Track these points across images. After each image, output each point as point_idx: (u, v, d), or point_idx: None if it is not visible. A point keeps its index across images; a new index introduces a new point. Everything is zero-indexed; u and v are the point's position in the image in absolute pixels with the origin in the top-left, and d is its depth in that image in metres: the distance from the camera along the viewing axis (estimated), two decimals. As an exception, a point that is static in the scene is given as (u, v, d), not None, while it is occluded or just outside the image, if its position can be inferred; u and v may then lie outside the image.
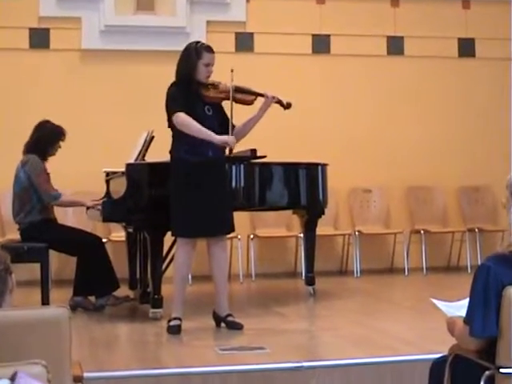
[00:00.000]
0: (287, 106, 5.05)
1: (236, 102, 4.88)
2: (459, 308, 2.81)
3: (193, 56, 4.80)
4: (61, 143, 5.72)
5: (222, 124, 4.90)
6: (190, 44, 4.92)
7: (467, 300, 2.68)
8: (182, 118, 4.71)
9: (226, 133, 4.93)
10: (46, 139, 5.68)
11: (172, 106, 4.76)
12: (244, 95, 4.93)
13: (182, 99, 4.75)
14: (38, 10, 7.39)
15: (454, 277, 7.58)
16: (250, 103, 4.98)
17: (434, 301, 2.97)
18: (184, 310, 4.92)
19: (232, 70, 4.76)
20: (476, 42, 8.24)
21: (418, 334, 4.70)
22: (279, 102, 5.03)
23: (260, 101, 5.00)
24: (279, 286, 7.17)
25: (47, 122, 5.74)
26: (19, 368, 1.81)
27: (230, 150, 4.83)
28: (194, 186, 4.77)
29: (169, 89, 4.85)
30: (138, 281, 6.15)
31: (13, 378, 1.76)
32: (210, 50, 4.85)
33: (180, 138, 4.80)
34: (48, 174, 5.72)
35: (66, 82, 7.42)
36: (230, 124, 4.82)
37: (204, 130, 4.73)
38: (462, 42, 8.24)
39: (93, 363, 3.91)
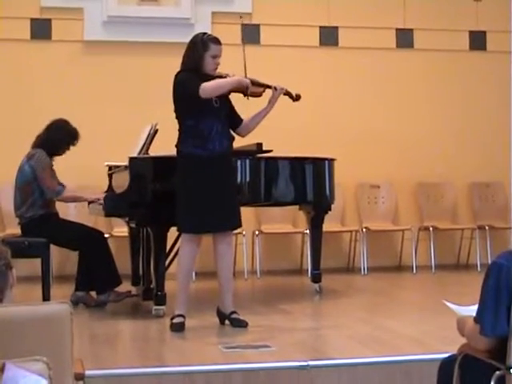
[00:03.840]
0: (296, 98, 5.03)
1: (245, 94, 4.81)
2: (472, 312, 2.74)
3: (199, 48, 4.73)
4: (71, 147, 5.68)
5: (228, 116, 4.85)
6: (197, 35, 4.85)
7: (475, 307, 2.64)
8: (208, 85, 4.61)
9: (233, 127, 4.87)
10: (60, 140, 5.66)
11: (192, 84, 4.62)
12: (253, 87, 4.87)
13: (196, 78, 4.65)
14: (40, 0, 7.32)
15: (464, 275, 7.53)
16: (258, 95, 4.94)
17: (447, 303, 2.90)
18: (188, 306, 4.87)
19: (241, 17, 4.72)
20: (487, 35, 8.17)
21: (427, 332, 4.64)
22: (288, 94, 5.00)
23: (269, 93, 4.93)
24: (285, 283, 7.13)
25: (66, 122, 5.71)
26: (20, 364, 1.81)
27: (247, 90, 4.74)
28: (200, 181, 4.71)
29: (177, 76, 4.76)
30: (140, 277, 6.13)
31: (2, 369, 1.77)
32: (217, 41, 4.77)
33: (187, 132, 4.73)
34: (54, 170, 5.69)
35: (68, 73, 7.38)
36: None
37: (222, 80, 4.69)
38: (472, 34, 8.17)
39: (94, 360, 3.87)
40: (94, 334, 4.80)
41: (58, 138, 5.64)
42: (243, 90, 4.76)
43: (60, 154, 5.72)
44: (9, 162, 5.87)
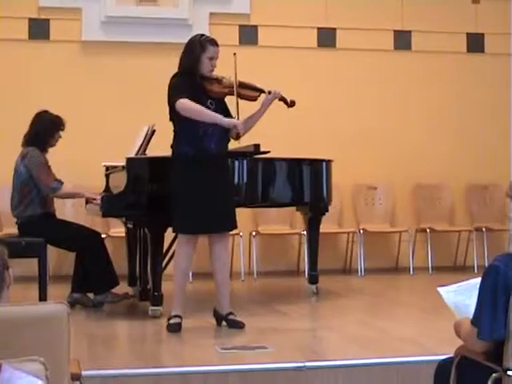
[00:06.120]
0: (291, 104, 5.03)
1: (240, 97, 4.82)
2: (468, 292, 2.73)
3: (197, 49, 4.73)
4: (61, 133, 5.68)
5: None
6: (194, 37, 4.86)
7: (476, 280, 2.63)
8: (185, 103, 4.62)
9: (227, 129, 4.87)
10: (45, 130, 5.63)
11: (175, 93, 4.67)
12: (248, 91, 4.89)
13: (185, 88, 4.66)
14: (38, 0, 7.30)
15: (460, 277, 7.35)
16: (253, 99, 4.93)
17: (441, 291, 2.88)
18: (184, 307, 4.87)
19: (235, 54, 4.73)
20: (485, 38, 8.17)
21: (424, 334, 4.65)
22: (283, 100, 4.99)
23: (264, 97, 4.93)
24: (281, 285, 7.12)
25: (45, 112, 5.70)
26: (17, 365, 1.81)
27: (238, 135, 4.72)
28: (196, 182, 4.71)
29: (172, 79, 4.78)
30: (137, 278, 6.11)
31: None
32: (214, 43, 4.78)
33: (182, 132, 4.74)
34: (49, 166, 5.66)
35: (65, 74, 7.36)
36: (236, 110, 4.73)
37: (210, 112, 4.68)
38: (470, 37, 8.17)
39: (91, 361, 3.88)
40: (91, 335, 4.79)
41: (44, 129, 5.62)
42: (232, 130, 4.73)
43: (53, 145, 5.69)
44: (6, 162, 5.86)
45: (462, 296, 2.82)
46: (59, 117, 5.66)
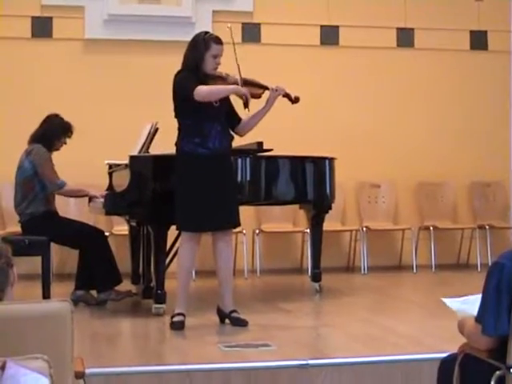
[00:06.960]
0: (295, 101, 5.02)
1: (245, 105, 4.80)
2: (474, 303, 2.73)
3: (201, 47, 4.74)
4: (67, 139, 5.70)
5: (227, 115, 4.85)
6: (199, 34, 4.85)
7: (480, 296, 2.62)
8: (202, 89, 4.61)
9: (231, 126, 4.87)
10: (53, 133, 5.68)
11: (187, 85, 4.64)
12: (252, 88, 4.88)
13: (194, 80, 4.66)
14: (41, -2, 7.33)
15: (464, 274, 7.51)
16: (258, 97, 4.93)
17: (446, 301, 2.88)
18: (188, 305, 4.87)
19: (229, 27, 4.77)
20: (488, 35, 8.15)
21: (427, 332, 4.64)
22: (287, 96, 4.99)
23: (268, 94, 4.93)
24: (285, 282, 7.12)
25: (57, 115, 5.75)
26: (21, 362, 1.81)
27: (247, 101, 4.72)
28: (199, 180, 4.72)
29: (177, 75, 4.77)
30: (140, 275, 6.12)
31: (2, 367, 1.76)
32: (218, 41, 4.78)
33: (187, 130, 4.74)
34: (53, 165, 5.69)
35: (68, 72, 7.37)
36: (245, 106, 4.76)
37: (225, 86, 4.72)
38: (473, 34, 8.15)
39: (94, 359, 3.86)
40: (95, 333, 4.79)
41: (52, 131, 5.66)
42: (242, 99, 4.74)
43: (57, 149, 5.73)
44: (9, 160, 5.87)
45: (467, 305, 2.81)
46: (69, 123, 5.70)
